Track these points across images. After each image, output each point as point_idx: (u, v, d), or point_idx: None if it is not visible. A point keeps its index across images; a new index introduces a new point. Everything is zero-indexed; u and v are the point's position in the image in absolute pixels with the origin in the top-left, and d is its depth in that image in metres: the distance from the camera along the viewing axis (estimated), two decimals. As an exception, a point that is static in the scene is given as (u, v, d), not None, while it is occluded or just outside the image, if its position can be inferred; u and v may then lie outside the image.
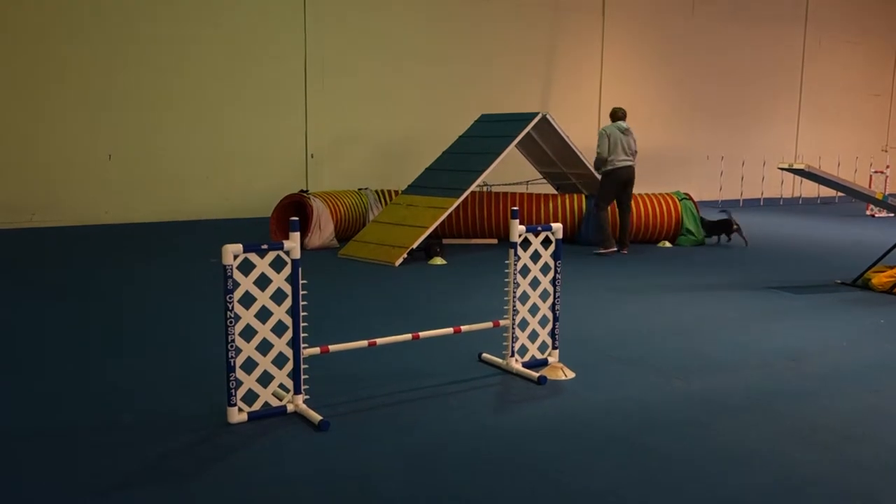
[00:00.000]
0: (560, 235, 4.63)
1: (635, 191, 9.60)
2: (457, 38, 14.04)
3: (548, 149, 10.59)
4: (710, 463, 3.37)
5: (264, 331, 3.74)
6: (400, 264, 8.21)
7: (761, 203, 16.81)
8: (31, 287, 6.95)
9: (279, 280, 3.75)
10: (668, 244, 10.07)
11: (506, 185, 10.93)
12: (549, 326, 4.68)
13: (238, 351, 3.66)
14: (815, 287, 7.38)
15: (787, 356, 5.02)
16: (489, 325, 4.63)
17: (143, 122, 11.68)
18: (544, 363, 4.65)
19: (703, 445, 3.55)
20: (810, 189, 18.04)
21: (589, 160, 10.10)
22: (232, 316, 3.59)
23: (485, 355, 4.82)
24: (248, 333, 3.70)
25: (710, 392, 4.29)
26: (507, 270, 4.53)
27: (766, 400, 4.18)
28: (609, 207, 9.36)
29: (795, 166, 7.21)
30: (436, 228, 8.64)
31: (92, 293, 6.71)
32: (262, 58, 12.43)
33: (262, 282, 3.66)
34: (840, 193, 9.74)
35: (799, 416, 3.95)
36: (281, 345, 3.80)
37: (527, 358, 4.64)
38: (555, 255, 4.64)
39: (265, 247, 3.67)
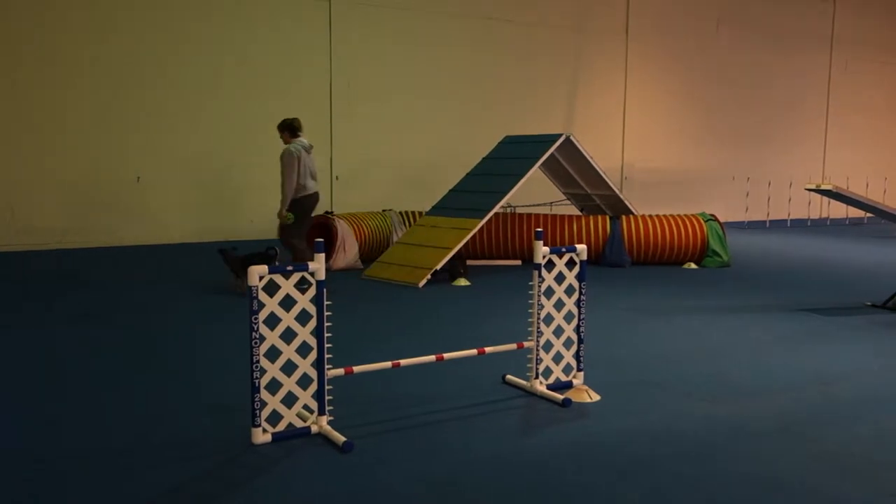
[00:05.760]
0: (584, 257, 4.62)
1: (661, 210, 9.45)
2: (481, 62, 14.12)
3: (572, 170, 10.58)
4: (739, 491, 3.31)
5: (289, 352, 3.75)
6: (424, 285, 8.21)
7: (788, 224, 16.63)
8: (58, 308, 7.04)
9: (304, 301, 3.77)
10: (693, 266, 9.98)
11: (530, 206, 10.93)
12: (574, 348, 4.65)
13: (263, 371, 3.67)
14: (845, 309, 7.27)
15: (817, 380, 4.94)
16: (513, 346, 4.60)
17: (171, 144, 11.87)
18: (569, 385, 4.61)
19: (730, 472, 3.49)
20: (838, 210, 17.83)
21: (614, 182, 10.04)
22: (257, 337, 3.61)
23: (509, 377, 4.79)
24: (273, 354, 3.71)
25: (738, 417, 4.22)
26: (531, 292, 4.52)
27: (795, 425, 4.11)
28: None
29: (823, 187, 7.13)
30: (460, 250, 8.65)
31: (119, 314, 6.79)
32: (288, 82, 12.59)
33: (287, 303, 3.68)
34: (869, 214, 9.62)
35: (830, 441, 3.88)
36: (305, 366, 3.81)
37: (551, 380, 4.61)
38: (579, 277, 4.62)
39: (290, 268, 3.70)
